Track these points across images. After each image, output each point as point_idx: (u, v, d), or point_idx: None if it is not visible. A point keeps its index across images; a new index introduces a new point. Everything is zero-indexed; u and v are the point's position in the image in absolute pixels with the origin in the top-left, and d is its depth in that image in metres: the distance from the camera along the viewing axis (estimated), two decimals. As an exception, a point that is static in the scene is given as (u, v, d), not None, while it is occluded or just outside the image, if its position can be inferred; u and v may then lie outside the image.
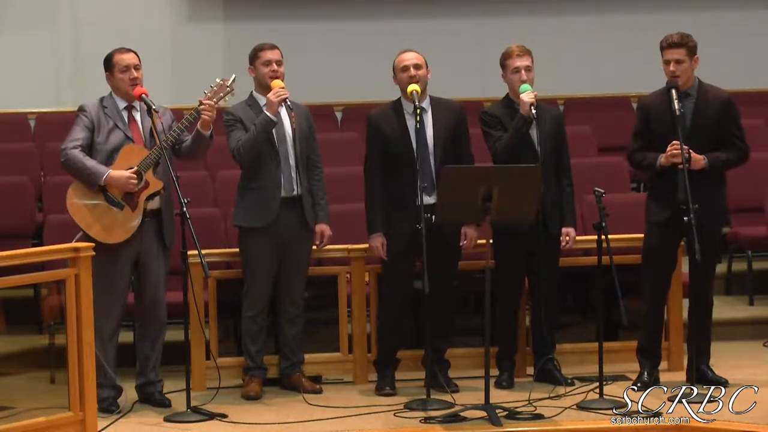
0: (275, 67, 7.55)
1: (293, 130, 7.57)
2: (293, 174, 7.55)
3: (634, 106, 9.40)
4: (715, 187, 7.51)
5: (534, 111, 7.46)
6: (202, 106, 7.24)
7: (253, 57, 7.62)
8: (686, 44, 7.46)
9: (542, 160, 7.54)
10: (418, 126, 7.43)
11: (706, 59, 11.45)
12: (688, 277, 7.59)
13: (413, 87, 7.47)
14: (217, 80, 7.40)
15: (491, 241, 7.22)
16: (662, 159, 7.37)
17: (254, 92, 7.64)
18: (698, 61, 7.52)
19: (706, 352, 7.58)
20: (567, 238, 7.69)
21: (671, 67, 7.43)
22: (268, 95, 7.45)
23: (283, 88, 7.46)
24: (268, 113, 7.42)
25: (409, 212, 7.41)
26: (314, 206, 7.63)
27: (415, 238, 7.30)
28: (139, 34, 10.93)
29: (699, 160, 7.35)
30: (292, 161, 7.55)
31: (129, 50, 7.36)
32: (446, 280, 7.52)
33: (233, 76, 7.40)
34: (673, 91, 7.37)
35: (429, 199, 7.41)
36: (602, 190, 7.33)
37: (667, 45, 7.46)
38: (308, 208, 7.58)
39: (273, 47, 7.62)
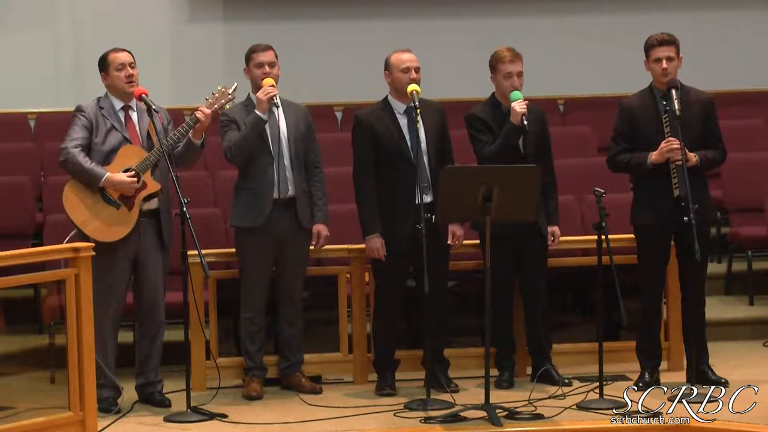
0: (267, 69, 7.54)
1: (288, 130, 7.57)
2: (288, 174, 7.54)
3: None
4: (704, 186, 7.52)
5: (526, 122, 7.45)
6: (197, 113, 7.23)
7: (248, 59, 7.63)
8: (675, 42, 7.49)
9: (529, 160, 7.52)
10: (419, 125, 7.44)
11: (705, 59, 11.52)
12: (681, 276, 7.60)
13: (414, 87, 7.47)
14: (219, 88, 7.42)
15: (488, 241, 7.21)
16: (654, 156, 7.36)
17: (251, 93, 7.65)
18: (681, 61, 7.53)
19: (705, 351, 7.58)
20: (553, 236, 7.70)
21: (663, 65, 7.43)
22: (257, 93, 7.46)
23: (272, 86, 7.46)
24: (257, 112, 7.43)
25: (409, 212, 7.41)
26: (311, 207, 7.62)
27: (416, 238, 7.32)
28: (139, 34, 10.93)
29: (692, 157, 7.36)
30: (286, 161, 7.55)
31: (123, 49, 7.37)
32: (441, 279, 7.52)
33: (235, 84, 7.41)
34: (674, 91, 7.37)
35: (426, 198, 7.42)
36: (602, 190, 7.33)
37: (658, 43, 7.46)
38: (302, 209, 7.57)
39: (266, 48, 7.62)
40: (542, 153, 7.69)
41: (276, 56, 7.61)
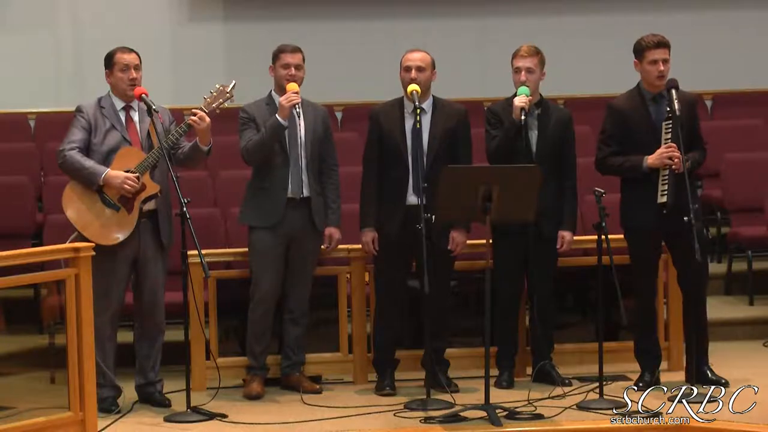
0: (293, 71, 7.54)
1: (306, 132, 7.57)
2: (302, 176, 7.54)
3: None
4: (694, 187, 7.49)
5: (524, 116, 7.44)
6: (191, 118, 7.22)
7: (274, 58, 7.61)
8: (669, 45, 7.47)
9: (538, 161, 7.51)
10: (418, 125, 7.43)
11: (705, 59, 11.49)
12: (680, 277, 7.58)
13: (413, 87, 7.47)
14: (217, 86, 7.40)
15: (490, 240, 7.21)
16: (651, 160, 7.34)
17: (273, 92, 7.65)
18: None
19: (705, 351, 7.57)
20: (562, 241, 7.68)
21: (660, 67, 7.41)
22: (281, 99, 7.45)
23: (296, 93, 7.44)
24: (278, 117, 7.43)
25: (398, 210, 7.42)
26: (326, 209, 7.62)
27: (403, 237, 7.34)
28: (139, 34, 10.92)
29: (683, 161, 7.32)
30: (302, 163, 7.55)
31: (131, 50, 7.35)
32: (440, 280, 7.48)
33: (233, 82, 7.40)
34: (674, 92, 7.35)
35: (415, 200, 7.38)
36: (602, 190, 7.32)
37: (655, 45, 7.43)
38: (317, 210, 7.58)
39: (294, 50, 7.61)
40: (561, 156, 7.67)
41: (303, 59, 7.60)
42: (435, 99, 7.64)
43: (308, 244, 7.60)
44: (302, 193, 7.54)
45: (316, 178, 7.61)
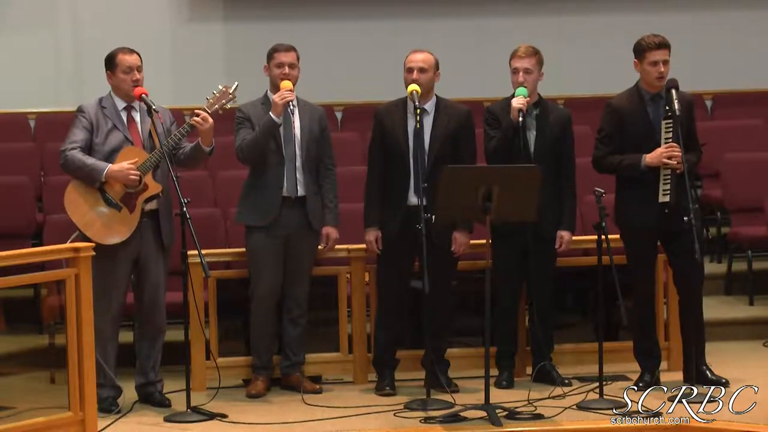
0: (287, 70, 7.54)
1: (301, 131, 7.57)
2: (298, 175, 7.54)
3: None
4: (694, 187, 7.49)
5: (521, 118, 7.44)
6: (194, 119, 7.22)
7: (269, 57, 7.62)
8: (669, 45, 7.45)
9: (537, 161, 7.50)
10: (418, 126, 7.42)
11: (705, 59, 11.48)
12: (677, 277, 7.57)
13: (413, 87, 7.47)
14: (220, 87, 7.40)
15: (490, 240, 7.21)
16: (649, 159, 7.33)
17: (268, 92, 7.65)
18: None
19: (702, 351, 7.56)
20: (561, 240, 7.68)
21: (661, 68, 7.39)
22: (274, 97, 7.46)
23: (291, 90, 7.45)
24: (272, 115, 7.43)
25: (399, 210, 7.42)
26: (323, 208, 7.62)
27: (404, 237, 7.34)
28: (139, 34, 10.92)
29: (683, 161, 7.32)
30: (298, 163, 7.55)
31: (133, 51, 7.35)
32: (441, 280, 7.48)
33: (236, 83, 7.39)
34: (674, 92, 7.35)
35: (416, 200, 7.38)
36: (602, 190, 7.32)
37: (656, 45, 7.41)
38: (313, 210, 7.57)
39: (288, 49, 7.61)
40: (560, 156, 7.66)
41: (297, 58, 7.60)
42: (438, 99, 7.64)
43: (305, 243, 7.60)
44: (297, 191, 7.54)
45: (312, 178, 7.61)
